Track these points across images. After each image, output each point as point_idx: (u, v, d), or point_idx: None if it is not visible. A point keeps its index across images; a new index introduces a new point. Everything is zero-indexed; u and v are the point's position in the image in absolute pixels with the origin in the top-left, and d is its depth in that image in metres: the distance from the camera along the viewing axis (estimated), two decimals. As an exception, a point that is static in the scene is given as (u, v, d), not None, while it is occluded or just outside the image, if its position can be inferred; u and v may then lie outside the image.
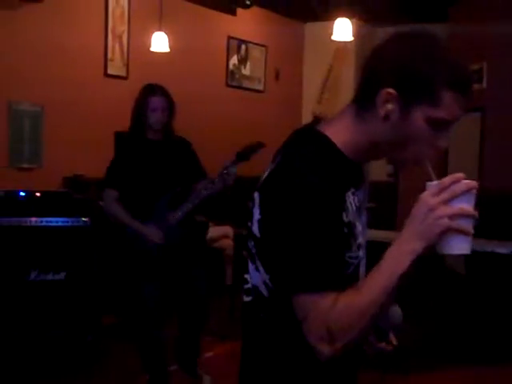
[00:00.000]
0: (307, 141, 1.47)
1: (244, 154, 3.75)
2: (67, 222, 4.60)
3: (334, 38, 6.13)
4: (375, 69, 1.41)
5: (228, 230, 6.73)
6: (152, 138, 3.90)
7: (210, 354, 4.77)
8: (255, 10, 8.09)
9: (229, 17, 8.20)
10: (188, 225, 3.93)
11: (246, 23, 8.49)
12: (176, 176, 3.89)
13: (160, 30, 6.36)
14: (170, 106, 3.88)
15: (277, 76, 9.12)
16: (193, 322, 4.05)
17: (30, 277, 4.46)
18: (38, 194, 4.68)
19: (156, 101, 3.80)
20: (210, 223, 6.39)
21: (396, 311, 1.68)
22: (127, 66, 6.95)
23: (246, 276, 1.54)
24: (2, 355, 4.30)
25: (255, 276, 1.50)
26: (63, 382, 4.27)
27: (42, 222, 4.52)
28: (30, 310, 4.45)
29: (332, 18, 6.13)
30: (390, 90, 1.36)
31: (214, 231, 6.49)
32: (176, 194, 3.85)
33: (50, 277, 4.50)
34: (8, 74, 5.81)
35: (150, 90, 3.87)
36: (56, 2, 6.14)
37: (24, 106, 6.04)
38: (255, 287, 1.51)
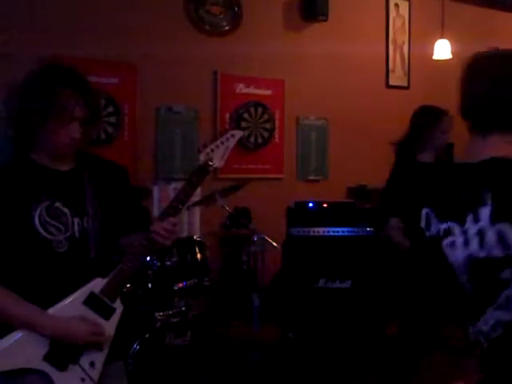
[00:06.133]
0: None
1: None
2: (352, 231, 4.74)
3: None
4: None
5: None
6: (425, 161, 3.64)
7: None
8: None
9: (516, 15, 7.77)
10: None
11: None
12: None
13: (442, 37, 6.26)
14: None
15: None
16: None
17: (318, 284, 4.66)
18: (325, 205, 4.89)
19: (449, 121, 3.57)
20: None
21: None
22: (408, 75, 6.95)
23: None
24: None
25: None
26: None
27: (329, 231, 4.72)
28: (318, 315, 4.65)
29: None
30: None
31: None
32: None
33: (336, 284, 4.67)
34: (296, 92, 6.17)
35: (442, 111, 3.63)
36: (339, 19, 6.37)
37: (310, 120, 6.37)
38: None
